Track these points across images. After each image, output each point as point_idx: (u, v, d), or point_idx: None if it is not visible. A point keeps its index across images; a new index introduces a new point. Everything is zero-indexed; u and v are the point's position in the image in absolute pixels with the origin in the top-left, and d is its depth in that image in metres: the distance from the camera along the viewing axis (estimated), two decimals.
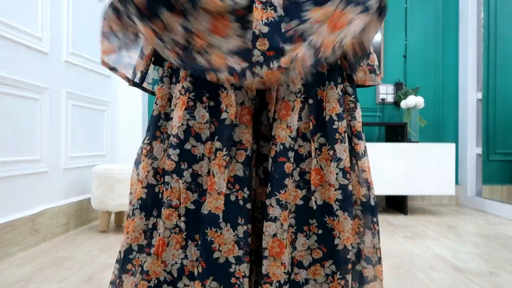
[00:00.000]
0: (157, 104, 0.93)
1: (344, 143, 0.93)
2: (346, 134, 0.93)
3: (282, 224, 0.88)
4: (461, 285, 1.41)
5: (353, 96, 0.97)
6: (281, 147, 0.90)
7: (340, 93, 0.93)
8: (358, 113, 0.97)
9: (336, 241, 0.90)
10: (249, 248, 0.89)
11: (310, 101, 0.93)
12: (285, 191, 0.89)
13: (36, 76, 1.98)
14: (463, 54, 3.27)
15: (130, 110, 2.98)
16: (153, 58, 0.98)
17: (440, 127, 3.30)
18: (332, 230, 0.91)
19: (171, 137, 0.89)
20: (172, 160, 0.88)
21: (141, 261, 0.90)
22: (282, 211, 0.88)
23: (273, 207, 0.88)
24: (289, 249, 0.91)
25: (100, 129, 2.66)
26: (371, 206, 0.97)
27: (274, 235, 0.88)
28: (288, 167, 0.89)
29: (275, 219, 0.88)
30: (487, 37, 3.09)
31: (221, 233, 0.87)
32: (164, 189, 0.88)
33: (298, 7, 0.84)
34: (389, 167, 2.75)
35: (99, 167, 2.21)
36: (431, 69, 3.30)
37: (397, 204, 2.99)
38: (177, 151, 0.88)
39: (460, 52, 3.31)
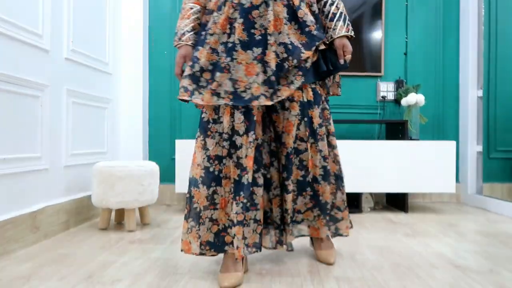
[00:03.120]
0: (206, 113, 1.44)
1: (323, 141, 1.54)
2: (324, 135, 1.55)
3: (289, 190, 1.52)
4: (461, 283, 1.41)
5: (329, 110, 1.60)
6: (290, 149, 1.50)
7: (320, 110, 1.54)
8: (331, 119, 1.61)
9: (320, 198, 1.56)
10: (258, 205, 1.44)
11: (305, 119, 1.51)
12: (293, 174, 1.54)
13: (37, 74, 1.98)
14: (463, 51, 3.26)
15: (131, 107, 2.98)
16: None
17: (441, 125, 3.30)
18: (317, 191, 1.56)
19: (223, 134, 1.41)
20: (226, 148, 1.41)
21: (207, 215, 1.41)
22: (292, 184, 1.52)
23: (290, 185, 1.50)
24: (292, 204, 1.54)
25: (101, 127, 2.66)
26: (341, 176, 1.62)
27: (292, 200, 1.54)
28: (294, 160, 1.53)
29: (291, 191, 1.51)
30: (488, 35, 3.09)
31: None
32: (223, 167, 1.41)
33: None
34: (390, 164, 2.75)
35: (99, 164, 2.21)
36: (432, 67, 3.30)
37: (397, 202, 2.99)
38: (228, 142, 1.41)
39: (460, 50, 3.30)
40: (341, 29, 1.51)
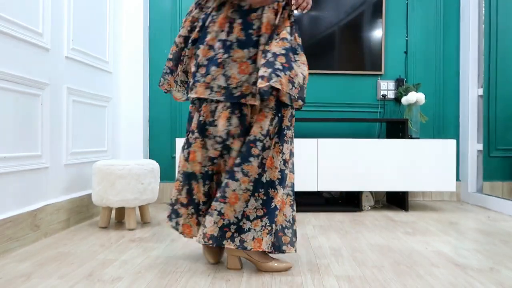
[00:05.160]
0: (203, 116, 1.49)
1: (289, 144, 1.52)
2: (290, 139, 1.52)
3: (241, 184, 1.44)
4: (461, 281, 1.41)
5: (293, 117, 1.56)
6: (253, 137, 1.44)
7: (290, 113, 1.52)
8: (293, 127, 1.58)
9: (272, 204, 1.46)
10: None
11: (279, 115, 1.48)
12: (248, 165, 1.44)
13: (37, 72, 1.98)
14: (464, 50, 3.26)
15: (131, 106, 2.98)
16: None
17: (441, 123, 3.30)
18: (272, 198, 1.47)
19: (216, 137, 1.47)
20: (218, 150, 1.48)
21: (206, 208, 1.53)
22: (243, 176, 1.44)
23: (238, 173, 1.44)
24: (243, 204, 1.45)
25: (101, 125, 2.66)
26: (293, 191, 1.55)
27: (234, 190, 1.44)
28: (255, 151, 1.44)
29: (237, 180, 1.44)
30: (488, 33, 3.08)
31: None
32: (215, 166, 1.51)
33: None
34: (390, 163, 2.74)
35: (100, 162, 2.21)
36: (432, 65, 3.30)
37: (397, 200, 2.99)
38: (221, 145, 1.48)
39: (461, 48, 3.30)
40: None
